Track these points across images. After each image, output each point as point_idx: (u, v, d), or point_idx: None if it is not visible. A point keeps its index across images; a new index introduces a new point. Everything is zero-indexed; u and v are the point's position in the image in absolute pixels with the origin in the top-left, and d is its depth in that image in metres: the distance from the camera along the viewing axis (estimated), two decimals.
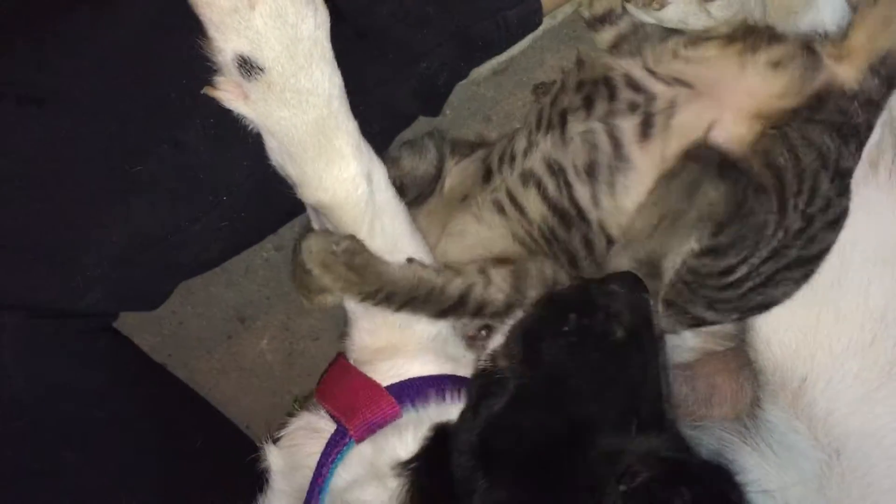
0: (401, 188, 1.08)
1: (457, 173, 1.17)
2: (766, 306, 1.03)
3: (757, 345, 1.06)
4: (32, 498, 1.08)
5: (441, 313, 1.06)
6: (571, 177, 1.03)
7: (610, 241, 1.04)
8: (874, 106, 0.98)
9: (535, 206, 1.07)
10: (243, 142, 0.99)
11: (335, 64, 0.96)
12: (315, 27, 0.93)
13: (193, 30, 0.92)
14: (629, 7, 0.98)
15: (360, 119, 1.00)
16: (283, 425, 1.17)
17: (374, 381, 1.08)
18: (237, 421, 1.47)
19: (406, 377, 1.09)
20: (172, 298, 1.35)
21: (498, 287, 1.05)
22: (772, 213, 0.95)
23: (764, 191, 0.95)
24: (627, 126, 1.01)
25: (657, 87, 1.00)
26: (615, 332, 0.95)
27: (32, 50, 0.97)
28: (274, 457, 1.12)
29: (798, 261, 0.99)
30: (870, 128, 0.99)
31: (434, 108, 1.21)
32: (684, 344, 1.22)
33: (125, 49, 0.97)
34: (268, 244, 1.42)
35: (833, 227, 0.99)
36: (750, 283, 0.99)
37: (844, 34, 0.99)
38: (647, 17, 0.97)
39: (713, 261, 0.97)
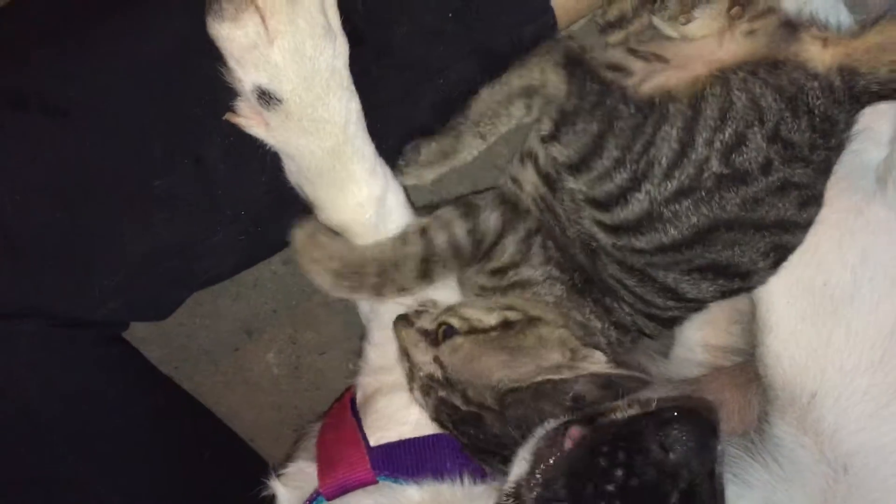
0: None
1: None
2: (720, 271, 1.00)
3: (767, 360, 1.07)
4: None
5: (422, 268, 1.06)
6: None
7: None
8: (836, 102, 0.96)
9: (530, 177, 1.09)
10: (262, 159, 1.01)
11: (353, 89, 0.98)
12: (333, 57, 0.95)
13: (217, 54, 0.93)
14: (654, 20, 0.99)
15: (376, 136, 1.03)
16: (289, 455, 1.19)
17: (359, 439, 1.09)
18: (242, 434, 1.47)
19: (405, 422, 1.10)
20: (180, 311, 1.35)
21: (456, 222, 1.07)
22: (668, 133, 0.94)
23: (651, 107, 0.95)
24: None
25: (636, 65, 1.01)
26: (669, 496, 0.84)
27: (59, 61, 0.98)
28: (280, 494, 1.14)
29: (746, 223, 0.97)
30: (833, 123, 0.96)
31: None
32: (693, 358, 1.23)
33: (151, 65, 0.98)
34: (276, 258, 1.42)
35: (782, 194, 0.96)
36: (671, 231, 0.97)
37: (853, 31, 0.98)
38: (671, 31, 0.98)
39: (588, 174, 0.97)
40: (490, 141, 1.07)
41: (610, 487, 0.85)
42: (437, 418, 1.06)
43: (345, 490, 1.06)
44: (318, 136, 0.97)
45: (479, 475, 1.07)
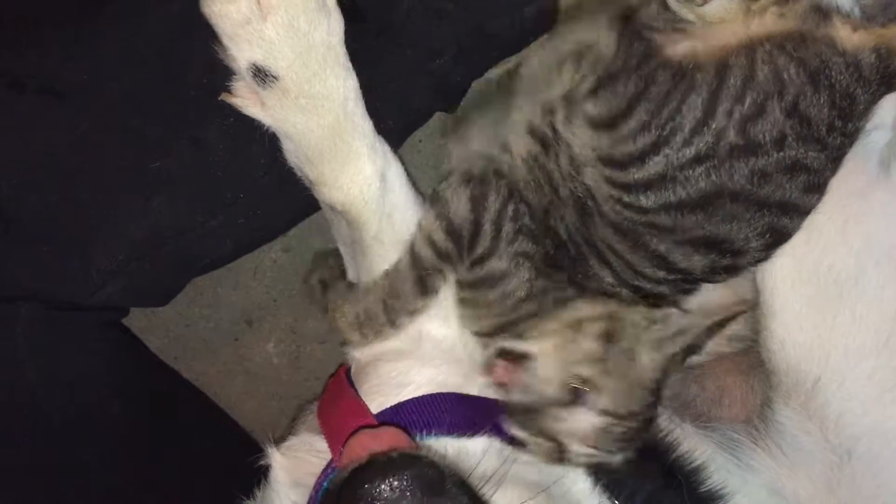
0: None
1: None
2: (714, 245, 0.99)
3: (771, 345, 1.06)
4: (45, 490, 1.08)
5: (419, 284, 1.07)
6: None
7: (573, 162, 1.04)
8: (863, 80, 0.95)
9: (521, 141, 1.07)
10: (260, 141, 1.00)
11: (350, 66, 0.97)
12: (328, 33, 0.94)
13: (213, 36, 0.93)
14: (670, 3, 0.98)
15: (375, 116, 1.02)
16: (288, 430, 1.18)
17: (364, 408, 1.07)
18: (242, 425, 1.47)
19: (408, 384, 1.09)
20: (180, 300, 1.35)
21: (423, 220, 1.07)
22: (693, 102, 0.94)
23: (682, 75, 0.95)
24: None
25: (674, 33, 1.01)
26: None
27: (57, 44, 0.97)
28: (277, 464, 1.12)
29: (750, 197, 0.96)
30: (854, 102, 0.96)
31: (450, 104, 1.22)
32: None
33: (149, 47, 0.98)
34: (276, 246, 1.43)
35: (791, 175, 0.96)
36: (679, 191, 0.96)
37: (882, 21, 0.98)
38: (688, 14, 0.97)
39: (612, 134, 0.97)
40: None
41: None
42: None
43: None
44: (317, 113, 0.96)
45: (477, 429, 1.06)
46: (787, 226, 1.00)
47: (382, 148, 1.03)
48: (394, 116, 1.08)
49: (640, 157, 0.96)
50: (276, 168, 1.03)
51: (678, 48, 0.97)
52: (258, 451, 1.34)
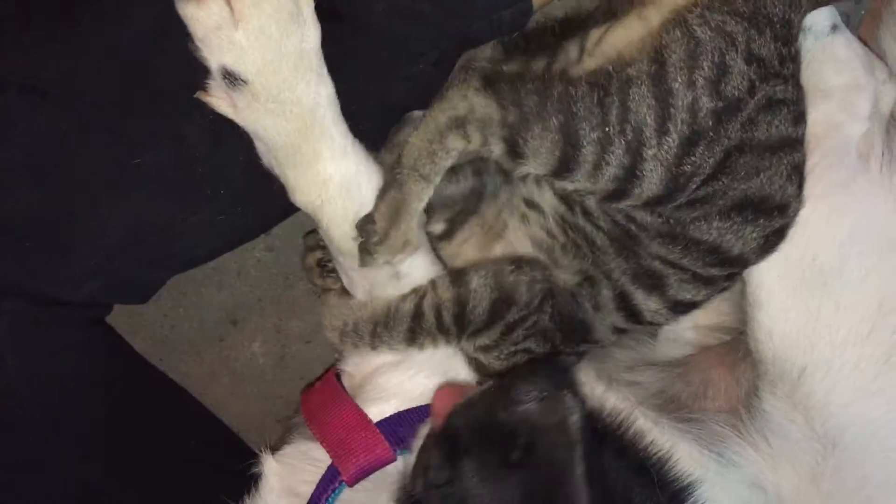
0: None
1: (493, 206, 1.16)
2: (757, 206, 0.99)
3: (758, 335, 1.07)
4: (25, 488, 1.08)
5: (410, 334, 1.06)
6: None
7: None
8: (794, 4, 0.97)
9: (548, 199, 1.07)
10: (240, 138, 1.00)
11: (324, 73, 0.97)
12: (301, 41, 0.94)
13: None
14: None
15: (351, 119, 1.01)
16: (283, 438, 1.18)
17: (367, 419, 1.08)
18: (228, 424, 1.46)
19: (398, 396, 1.09)
20: (164, 301, 1.34)
21: (443, 286, 1.06)
22: (637, 93, 0.92)
23: (607, 79, 0.93)
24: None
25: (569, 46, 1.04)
26: (512, 456, 0.87)
27: (38, 42, 0.97)
28: (271, 472, 1.12)
29: (754, 145, 0.96)
30: (791, 26, 0.97)
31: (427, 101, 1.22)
32: (681, 339, 1.23)
33: (129, 44, 0.98)
34: (259, 245, 1.42)
35: (772, 111, 0.96)
36: (694, 181, 0.96)
37: None
38: None
39: (578, 173, 0.94)
40: (436, 182, 1.01)
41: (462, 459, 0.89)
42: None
43: (367, 473, 1.05)
44: (285, 117, 0.96)
45: None
46: (801, 159, 1.01)
47: (356, 153, 1.02)
48: (371, 118, 1.08)
49: (629, 172, 0.94)
50: (255, 167, 1.03)
51: (586, 65, 0.98)
52: (246, 451, 1.34)
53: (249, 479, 1.13)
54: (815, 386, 1.05)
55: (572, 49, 1.09)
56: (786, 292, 1.04)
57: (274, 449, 1.14)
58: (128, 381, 1.23)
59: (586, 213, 1.04)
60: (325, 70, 0.97)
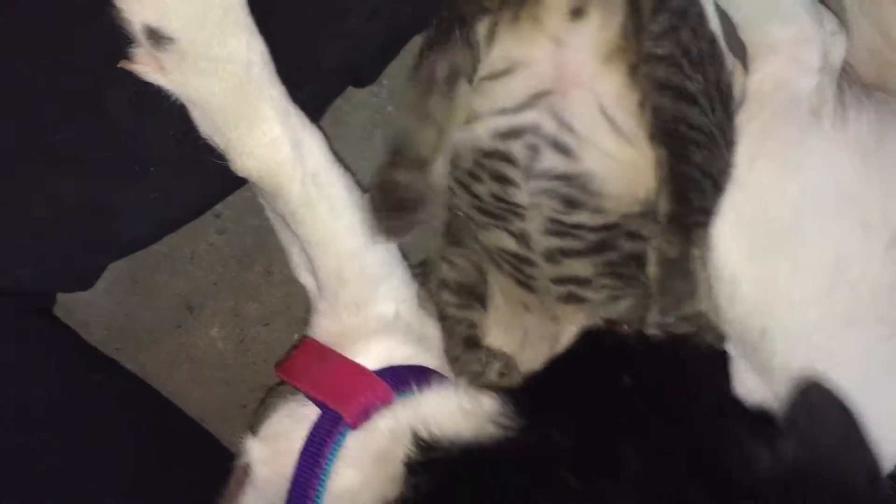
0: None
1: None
2: None
3: (720, 301, 1.06)
4: None
5: None
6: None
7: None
8: None
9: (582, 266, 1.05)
10: (168, 111, 0.96)
11: (253, 29, 0.94)
12: None
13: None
14: None
15: (287, 84, 0.98)
16: (261, 418, 1.14)
17: (363, 366, 1.06)
18: (191, 414, 1.43)
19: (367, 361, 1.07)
20: (116, 290, 1.31)
21: None
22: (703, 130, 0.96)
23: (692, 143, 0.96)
24: None
25: None
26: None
27: None
28: (256, 448, 1.10)
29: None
30: None
31: (368, 76, 1.19)
32: None
33: (41, 18, 0.94)
34: (211, 229, 1.39)
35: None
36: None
37: None
38: None
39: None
40: None
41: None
42: None
43: (368, 414, 1.03)
44: (218, 76, 0.92)
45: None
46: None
47: (297, 114, 1.00)
48: (307, 83, 1.04)
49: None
50: (188, 141, 0.99)
51: None
52: (211, 442, 1.32)
53: (217, 471, 1.12)
54: (775, 347, 1.04)
55: None
56: (742, 255, 1.02)
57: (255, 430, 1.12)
58: (80, 372, 1.19)
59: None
60: (254, 27, 0.94)
